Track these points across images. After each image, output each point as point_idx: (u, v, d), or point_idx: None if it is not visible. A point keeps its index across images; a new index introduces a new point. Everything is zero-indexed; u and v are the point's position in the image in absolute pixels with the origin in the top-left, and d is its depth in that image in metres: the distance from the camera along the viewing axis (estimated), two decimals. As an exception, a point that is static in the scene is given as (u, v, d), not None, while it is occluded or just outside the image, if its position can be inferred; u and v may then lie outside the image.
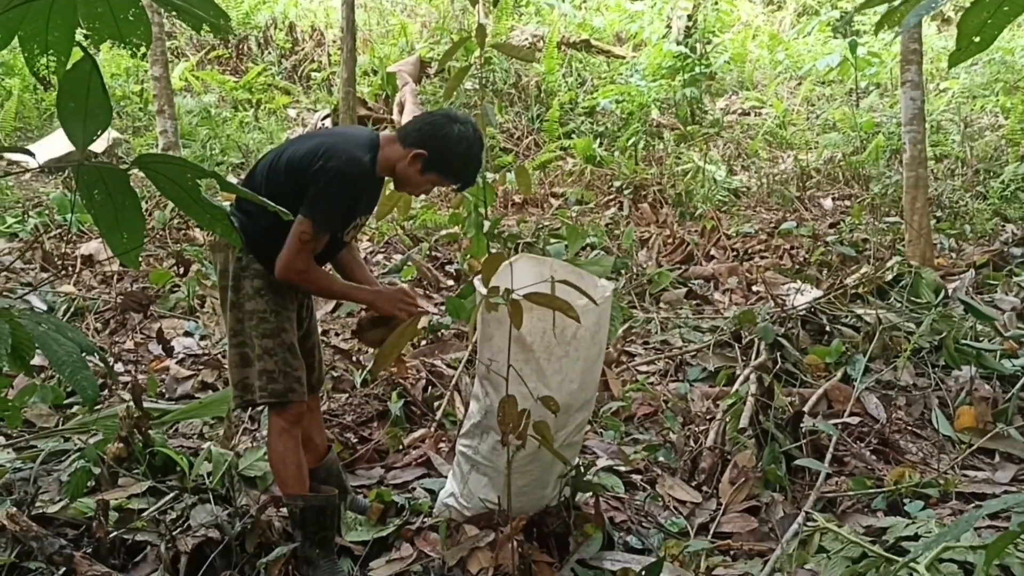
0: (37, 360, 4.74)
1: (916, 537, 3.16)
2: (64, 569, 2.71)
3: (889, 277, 6.21)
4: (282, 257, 3.01)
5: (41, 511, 3.19)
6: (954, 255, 7.70)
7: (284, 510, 3.44)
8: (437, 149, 3.10)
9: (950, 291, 6.06)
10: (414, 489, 3.87)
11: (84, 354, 2.12)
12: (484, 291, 2.94)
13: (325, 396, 4.60)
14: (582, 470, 3.49)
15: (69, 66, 1.73)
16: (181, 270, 6.17)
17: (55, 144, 8.94)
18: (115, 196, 1.83)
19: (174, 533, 3.11)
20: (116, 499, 3.34)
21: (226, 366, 5.06)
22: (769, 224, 8.94)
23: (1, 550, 2.88)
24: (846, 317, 5.50)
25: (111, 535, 3.06)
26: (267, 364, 3.10)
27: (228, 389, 4.72)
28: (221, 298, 3.20)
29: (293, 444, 3.21)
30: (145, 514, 3.29)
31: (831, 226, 8.78)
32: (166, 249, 7.17)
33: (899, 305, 5.80)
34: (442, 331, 5.69)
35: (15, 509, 2.97)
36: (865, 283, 6.11)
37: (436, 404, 4.61)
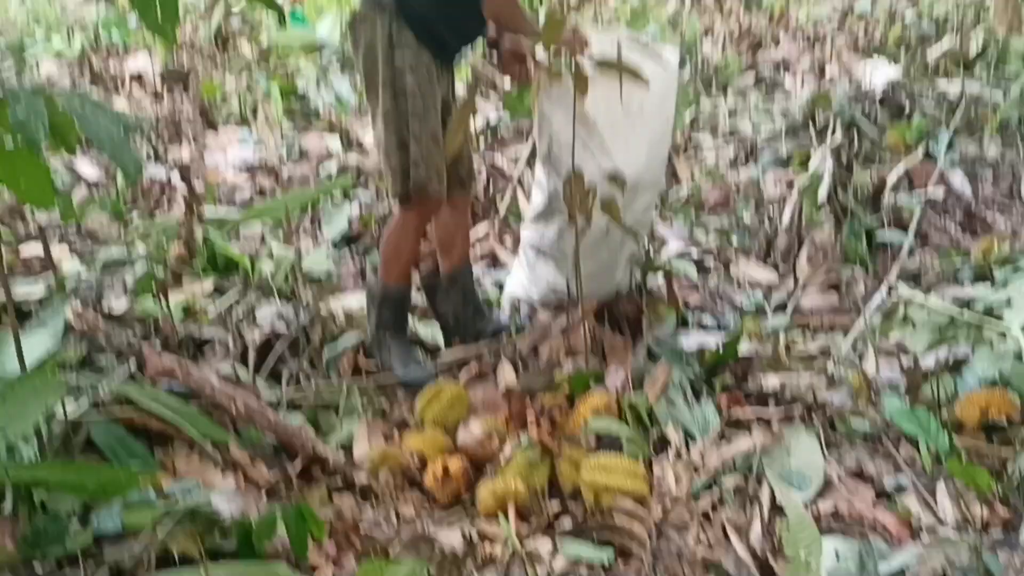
0: (93, 172, 4.69)
1: (1008, 303, 3.00)
2: (134, 361, 2.67)
3: (973, 51, 5.82)
4: None
5: (108, 311, 3.16)
6: (1045, 23, 7.19)
7: (347, 303, 3.40)
8: None
9: (1040, 61, 5.66)
10: (481, 283, 3.79)
11: (126, 134, 2.03)
12: (546, 58, 2.75)
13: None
14: (652, 254, 3.36)
15: None
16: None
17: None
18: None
19: (240, 327, 3.07)
20: (181, 298, 3.31)
21: (282, 172, 5.01)
22: (842, 6, 8.41)
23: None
24: (927, 94, 5.17)
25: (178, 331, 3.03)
26: (412, 150, 2.84)
27: (286, 195, 4.66)
28: (368, 78, 2.87)
29: (414, 242, 3.05)
30: (211, 311, 3.26)
31: (910, 4, 8.22)
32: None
33: (984, 77, 5.44)
34: (500, 129, 5.52)
35: (81, 308, 2.93)
36: (948, 57, 5.73)
37: (499, 199, 4.48)
